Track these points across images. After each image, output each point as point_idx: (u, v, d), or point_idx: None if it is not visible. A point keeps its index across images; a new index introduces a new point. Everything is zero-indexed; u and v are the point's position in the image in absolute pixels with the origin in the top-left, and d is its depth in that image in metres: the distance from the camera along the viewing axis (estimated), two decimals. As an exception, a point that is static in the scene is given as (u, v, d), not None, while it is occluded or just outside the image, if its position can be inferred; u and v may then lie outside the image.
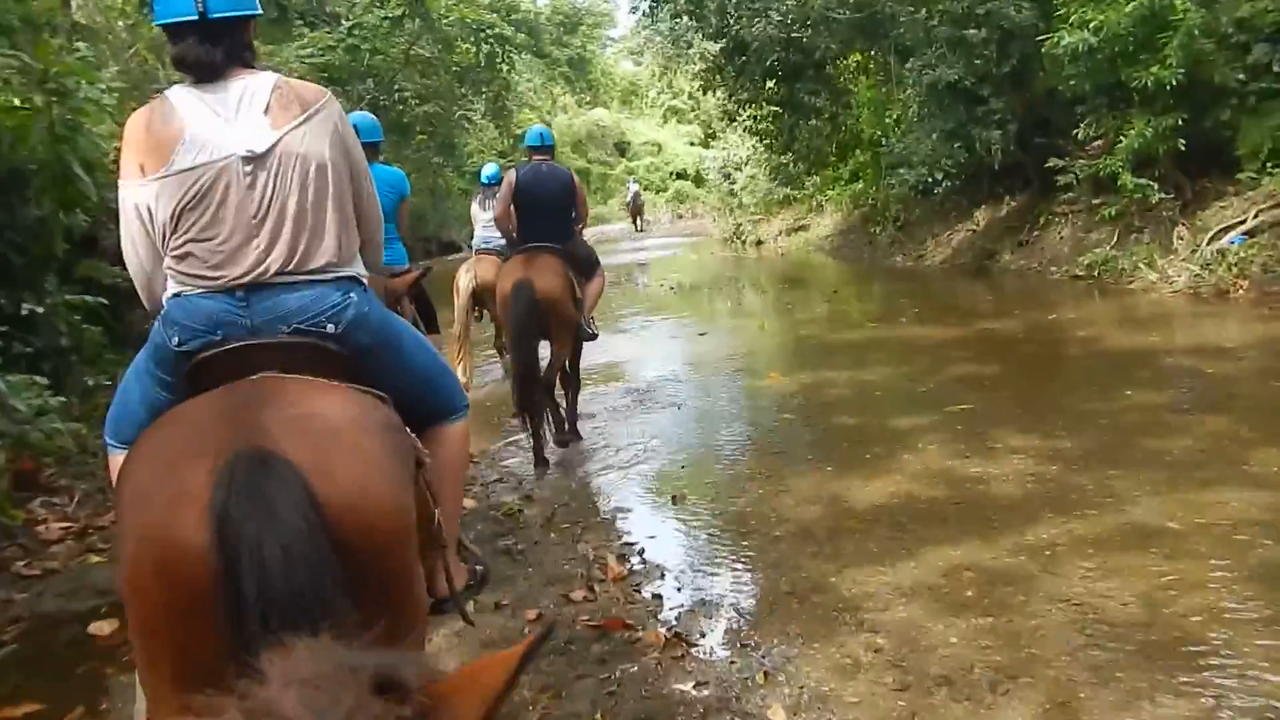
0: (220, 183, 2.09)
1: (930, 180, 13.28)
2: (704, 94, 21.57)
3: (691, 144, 53.22)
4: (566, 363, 6.30)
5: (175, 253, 2.12)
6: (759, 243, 24.07)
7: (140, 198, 2.15)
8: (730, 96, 18.85)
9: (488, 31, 22.79)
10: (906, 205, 16.08)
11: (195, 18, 2.15)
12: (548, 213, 6.07)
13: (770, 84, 18.41)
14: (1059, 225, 13.69)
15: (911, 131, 14.54)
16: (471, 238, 9.69)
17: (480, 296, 8.13)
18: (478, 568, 2.86)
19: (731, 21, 17.02)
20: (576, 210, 6.25)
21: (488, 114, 27.12)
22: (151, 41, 10.80)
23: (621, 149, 55.01)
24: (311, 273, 2.15)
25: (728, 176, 26.33)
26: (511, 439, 6.68)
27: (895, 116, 16.29)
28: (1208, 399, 6.29)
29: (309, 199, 2.15)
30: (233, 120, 2.12)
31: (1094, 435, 5.59)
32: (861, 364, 8.35)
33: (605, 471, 5.89)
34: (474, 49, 23.67)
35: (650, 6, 18.19)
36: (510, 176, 6.17)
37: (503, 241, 7.21)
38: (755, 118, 19.43)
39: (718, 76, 18.41)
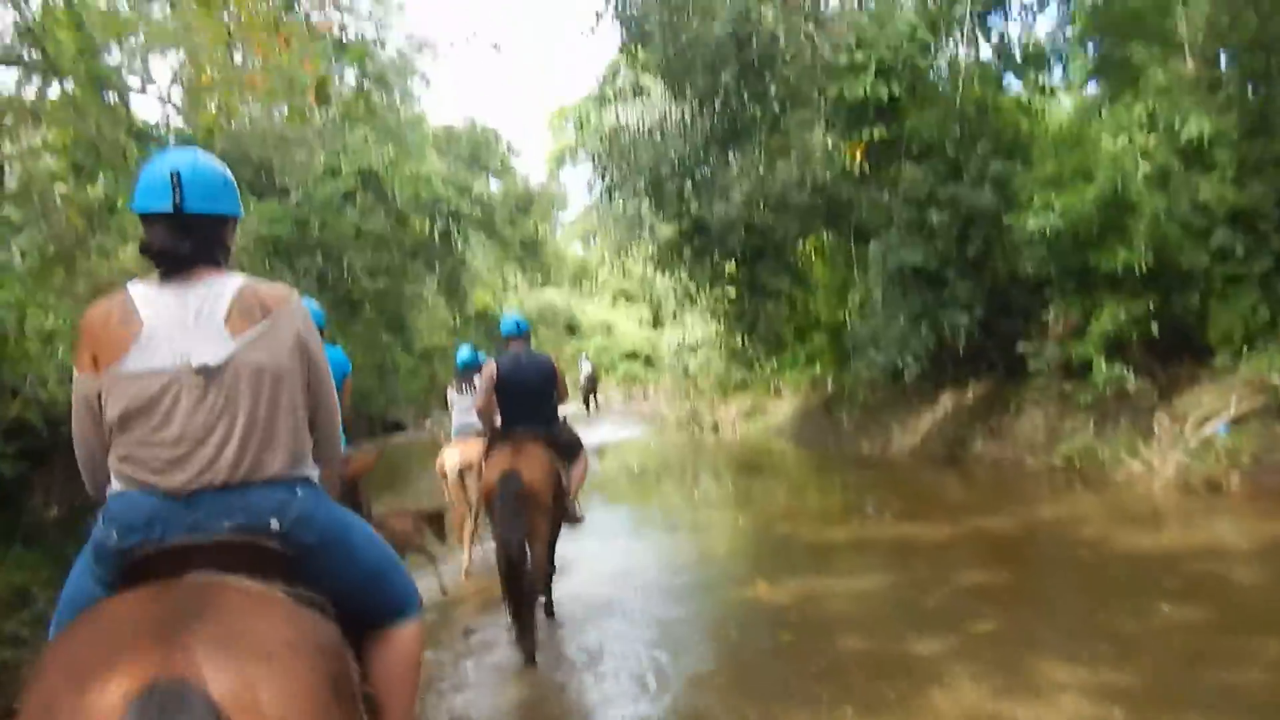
0: (169, 392, 2.10)
1: (901, 364, 12.85)
2: (660, 275, 21.31)
3: (640, 324, 53.75)
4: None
5: (120, 452, 2.13)
6: (715, 427, 23.51)
7: (90, 390, 2.17)
8: (689, 277, 18.62)
9: (442, 207, 22.51)
10: (873, 389, 15.64)
11: (170, 209, 2.19)
12: (531, 399, 6.13)
13: (729, 266, 18.23)
14: (1030, 412, 13.26)
15: (874, 315, 14.24)
16: (442, 421, 10.44)
17: (464, 476, 8.10)
18: None
19: (691, 204, 16.94)
20: (555, 394, 6.29)
21: (441, 291, 26.72)
22: (87, 207, 10.43)
23: (572, 329, 55.33)
24: (257, 481, 2.13)
25: (681, 359, 26.02)
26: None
27: (858, 299, 16.09)
28: (1256, 617, 5.59)
29: (261, 411, 2.15)
30: (190, 327, 2.13)
31: (1147, 665, 4.82)
32: (855, 570, 7.56)
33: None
34: (427, 225, 23.39)
35: (607, 189, 18.10)
36: (490, 368, 6.17)
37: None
38: (715, 299, 19.22)
39: (675, 257, 18.22)
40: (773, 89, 14.83)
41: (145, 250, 2.23)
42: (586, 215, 63.70)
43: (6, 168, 10.54)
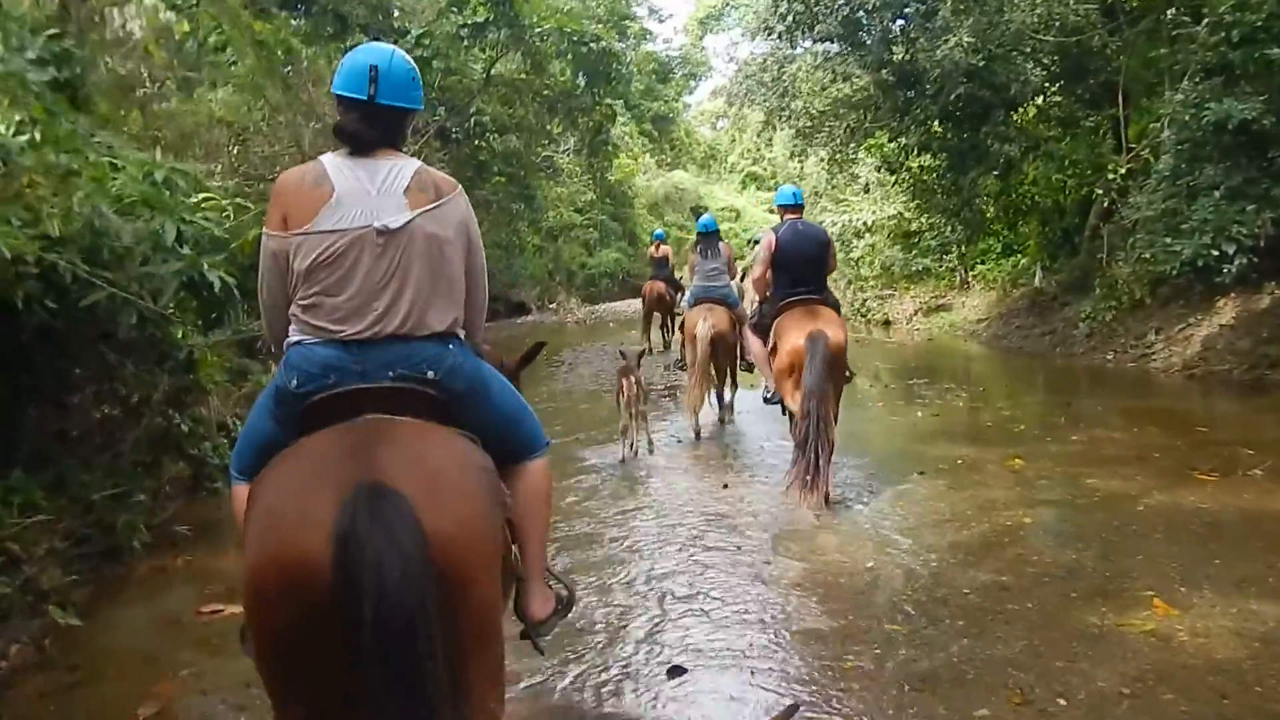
0: (354, 249, 2.38)
1: (1218, 254, 9.35)
2: (850, 142, 17.47)
3: (770, 211, 50.20)
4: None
5: (303, 302, 2.41)
6: (887, 323, 20.19)
7: (279, 247, 2.45)
8: (892, 140, 15.05)
9: (592, 46, 18.70)
10: (1138, 288, 12.11)
11: (365, 98, 2.50)
12: (812, 266, 6.48)
13: (940, 127, 14.58)
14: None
15: (1158, 189, 10.68)
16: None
17: (715, 343, 8.40)
18: (563, 594, 2.95)
19: (900, 48, 13.33)
20: (829, 263, 6.68)
21: (582, 150, 23.20)
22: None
23: (698, 213, 52.22)
24: (420, 335, 2.42)
25: (846, 244, 22.54)
26: None
27: (1120, 171, 12.48)
28: None
29: (429, 272, 2.44)
30: (375, 195, 2.42)
31: None
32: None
33: None
34: (569, 72, 19.67)
35: (787, 28, 14.61)
36: (769, 238, 6.63)
37: (725, 290, 8.75)
38: (923, 168, 15.62)
39: (868, 116, 14.71)
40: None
41: (339, 131, 2.51)
42: (714, 98, 59.90)
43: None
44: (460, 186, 2.60)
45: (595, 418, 9.84)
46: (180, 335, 6.54)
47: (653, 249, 16.00)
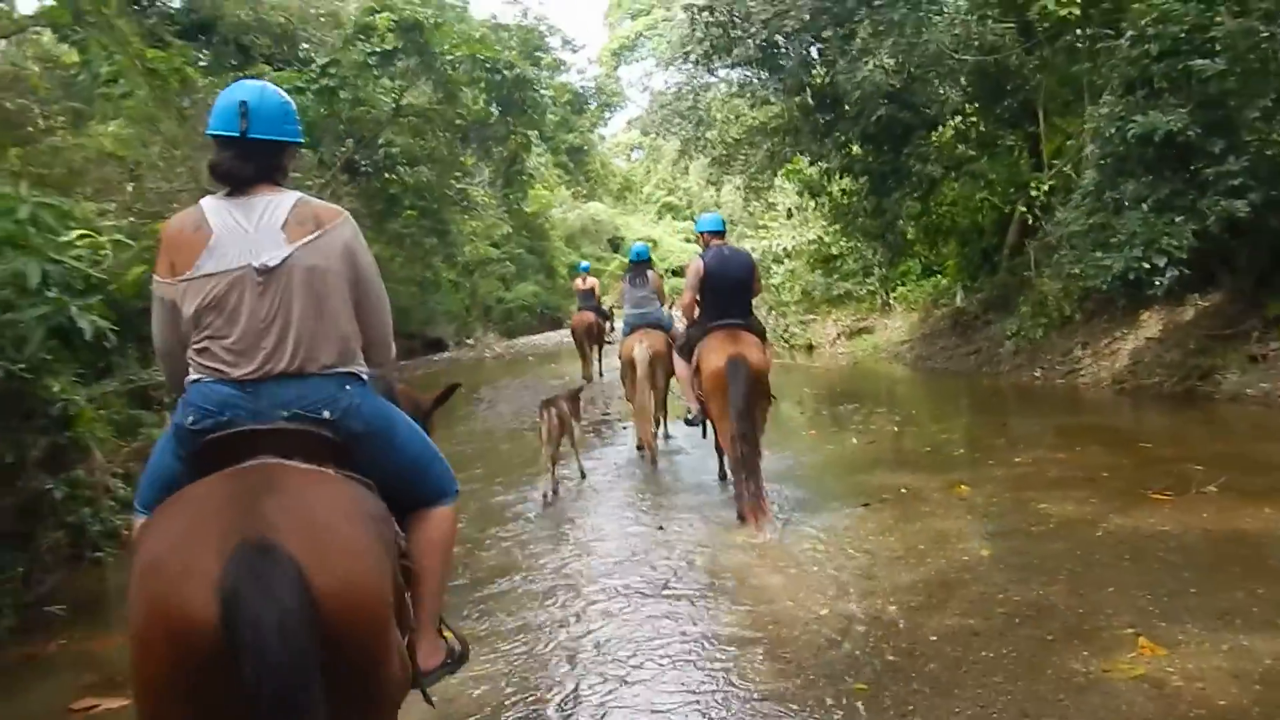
0: (236, 290, 2.39)
1: (1149, 267, 9.25)
2: (768, 168, 17.25)
3: (687, 240, 50.36)
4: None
5: (196, 346, 2.43)
6: (810, 348, 20.03)
7: (169, 294, 2.47)
8: (813, 163, 14.88)
9: (505, 74, 17.91)
10: (1065, 304, 12.06)
11: (237, 134, 2.50)
12: (737, 291, 6.67)
13: (861, 150, 14.44)
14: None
15: (1083, 204, 10.63)
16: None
17: (653, 364, 8.40)
18: (455, 648, 2.94)
19: (819, 72, 13.16)
20: (754, 288, 6.84)
21: (497, 181, 22.59)
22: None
23: (615, 245, 52.12)
24: (312, 372, 2.42)
25: (767, 270, 22.39)
26: None
27: (1043, 188, 12.45)
28: None
29: (312, 308, 2.43)
30: (252, 233, 2.42)
31: None
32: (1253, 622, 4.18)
33: None
34: (481, 101, 18.94)
35: (704, 53, 14.40)
36: (697, 264, 6.77)
37: (658, 315, 8.98)
38: (845, 191, 15.47)
39: (787, 140, 14.52)
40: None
41: (214, 170, 2.52)
42: (629, 130, 59.95)
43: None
44: (345, 215, 2.59)
45: (518, 459, 9.34)
46: (56, 389, 5.89)
47: (579, 281, 15.95)
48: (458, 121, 18.45)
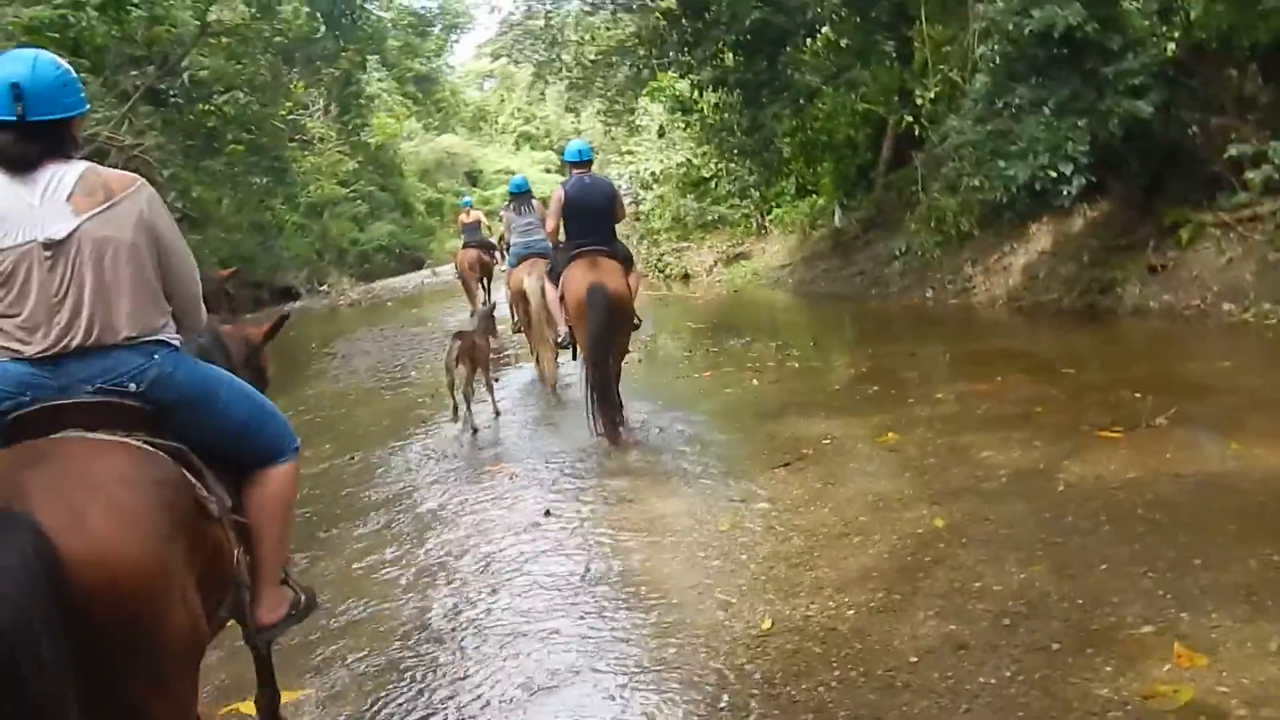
0: (23, 265, 2.28)
1: (1055, 175, 8.55)
2: (629, 89, 16.06)
3: (548, 171, 48.73)
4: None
5: None
6: (686, 277, 19.10)
7: None
8: (683, 76, 13.70)
9: None
10: (963, 218, 11.36)
11: (14, 119, 2.32)
12: (598, 218, 6.77)
13: (733, 60, 13.32)
14: (1211, 243, 9.28)
15: (975, 110, 9.88)
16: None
17: (544, 294, 7.83)
18: (300, 599, 2.91)
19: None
20: (616, 214, 6.95)
21: (331, 108, 20.48)
22: None
23: (473, 178, 50.07)
24: (114, 344, 2.34)
25: (634, 197, 21.30)
26: None
27: (929, 94, 11.64)
28: None
29: (106, 278, 2.33)
30: (37, 207, 2.30)
31: None
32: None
33: None
34: (303, 14, 16.73)
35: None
36: (559, 193, 6.87)
37: (545, 244, 8.20)
38: (718, 105, 14.34)
39: (654, 53, 13.30)
40: None
41: None
42: (479, 56, 57.49)
43: None
44: (141, 182, 2.47)
45: (377, 427, 8.10)
46: None
47: (463, 215, 15.93)
48: (277, 39, 16.32)
